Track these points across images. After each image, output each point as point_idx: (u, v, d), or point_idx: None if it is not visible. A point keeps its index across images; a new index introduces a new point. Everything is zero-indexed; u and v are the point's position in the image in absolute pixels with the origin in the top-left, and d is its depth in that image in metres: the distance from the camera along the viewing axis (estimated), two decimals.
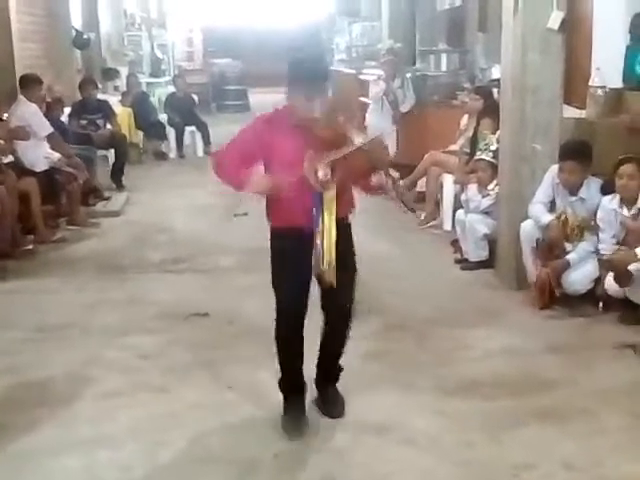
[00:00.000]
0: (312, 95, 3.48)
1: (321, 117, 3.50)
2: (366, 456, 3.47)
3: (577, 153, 5.12)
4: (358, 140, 3.47)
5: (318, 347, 3.84)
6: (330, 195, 3.47)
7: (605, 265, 4.90)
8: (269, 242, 3.70)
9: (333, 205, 3.48)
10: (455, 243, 6.56)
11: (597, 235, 5.10)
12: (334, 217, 3.49)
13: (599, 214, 5.07)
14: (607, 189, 5.08)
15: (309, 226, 3.49)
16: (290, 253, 3.61)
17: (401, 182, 3.60)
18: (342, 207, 3.55)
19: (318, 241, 3.47)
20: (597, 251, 5.09)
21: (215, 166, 3.68)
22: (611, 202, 5.02)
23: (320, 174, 3.41)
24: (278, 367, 3.79)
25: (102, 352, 4.65)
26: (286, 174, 3.44)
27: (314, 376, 3.92)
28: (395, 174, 3.90)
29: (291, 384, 3.82)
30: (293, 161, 3.43)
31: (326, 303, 3.70)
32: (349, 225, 3.71)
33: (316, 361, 3.89)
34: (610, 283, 4.92)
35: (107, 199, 8.89)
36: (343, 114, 3.62)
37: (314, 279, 3.61)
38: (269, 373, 4.19)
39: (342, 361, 3.92)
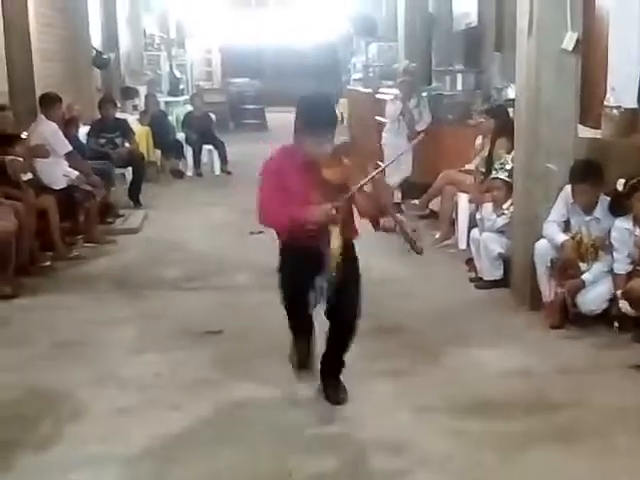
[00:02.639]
0: (321, 139, 3.76)
1: (327, 158, 3.76)
2: (379, 476, 3.47)
3: (586, 175, 5.11)
4: (361, 181, 3.72)
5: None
6: (336, 230, 3.77)
7: (625, 295, 4.87)
8: (279, 252, 4.06)
9: (338, 233, 3.79)
10: (470, 262, 6.56)
11: (612, 255, 5.09)
12: (339, 240, 3.78)
13: (613, 234, 5.05)
14: (615, 208, 5.07)
15: (313, 246, 3.78)
16: (295, 260, 3.93)
17: (407, 222, 3.79)
18: (348, 232, 3.89)
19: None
20: (612, 270, 5.08)
21: (265, 219, 3.92)
22: (624, 222, 5.01)
23: (327, 215, 3.72)
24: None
25: (116, 369, 4.68)
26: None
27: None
28: (402, 217, 4.26)
29: (298, 327, 4.21)
30: (302, 200, 3.76)
31: (332, 314, 3.98)
32: (354, 246, 4.03)
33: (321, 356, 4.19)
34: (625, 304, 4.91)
35: (121, 216, 8.97)
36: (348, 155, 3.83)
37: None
38: (284, 391, 4.22)
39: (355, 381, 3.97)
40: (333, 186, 3.74)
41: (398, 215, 3.99)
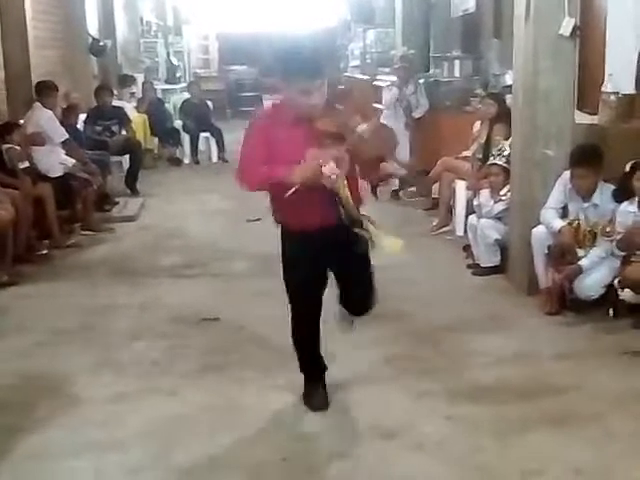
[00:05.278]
0: (307, 89, 3.41)
1: (319, 110, 3.46)
2: (376, 461, 3.47)
3: (588, 158, 5.11)
4: (360, 129, 3.45)
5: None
6: (341, 189, 3.44)
7: (622, 281, 4.87)
8: (280, 240, 3.76)
9: (346, 190, 3.47)
10: (467, 248, 6.56)
11: (611, 241, 5.06)
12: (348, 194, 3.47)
13: (619, 219, 5.03)
14: (619, 195, 5.07)
15: (318, 227, 3.52)
16: (301, 253, 3.65)
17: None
18: (353, 199, 3.54)
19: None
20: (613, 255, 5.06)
21: (243, 178, 3.58)
22: (629, 206, 5.00)
23: (326, 170, 3.36)
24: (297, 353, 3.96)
25: (114, 356, 4.69)
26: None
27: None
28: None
29: (310, 367, 3.98)
30: (296, 157, 3.40)
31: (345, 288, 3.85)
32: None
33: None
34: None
35: (116, 204, 8.96)
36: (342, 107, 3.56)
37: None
38: (279, 378, 4.22)
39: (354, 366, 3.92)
40: (330, 137, 3.41)
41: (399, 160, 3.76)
